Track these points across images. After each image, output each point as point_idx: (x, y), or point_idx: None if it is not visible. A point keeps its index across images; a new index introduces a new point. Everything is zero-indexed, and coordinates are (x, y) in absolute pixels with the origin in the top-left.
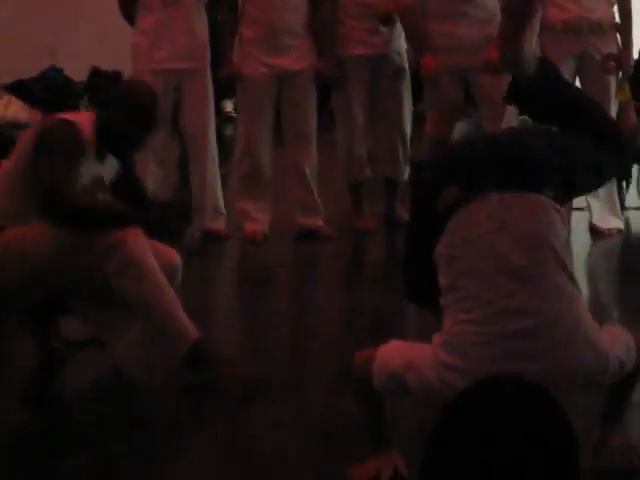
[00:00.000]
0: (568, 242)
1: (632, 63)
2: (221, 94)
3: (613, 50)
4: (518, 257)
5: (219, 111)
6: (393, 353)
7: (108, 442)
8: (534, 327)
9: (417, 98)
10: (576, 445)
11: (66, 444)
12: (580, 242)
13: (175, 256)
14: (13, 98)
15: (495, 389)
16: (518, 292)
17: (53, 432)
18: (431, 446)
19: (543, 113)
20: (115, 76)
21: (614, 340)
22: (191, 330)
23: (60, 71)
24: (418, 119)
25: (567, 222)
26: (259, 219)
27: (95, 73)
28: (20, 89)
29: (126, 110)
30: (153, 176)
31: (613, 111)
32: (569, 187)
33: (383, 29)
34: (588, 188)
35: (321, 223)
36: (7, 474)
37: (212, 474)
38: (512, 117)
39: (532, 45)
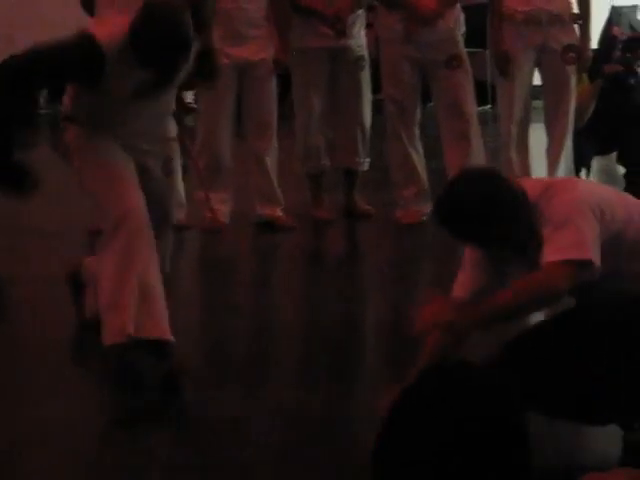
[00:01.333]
0: None
1: (590, 53)
2: (181, 85)
3: (572, 41)
4: None
5: (180, 102)
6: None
7: None
8: None
9: (377, 88)
10: (525, 432)
11: None
12: None
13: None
14: None
15: (447, 375)
16: None
17: None
18: (385, 428)
19: None
20: None
21: None
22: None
23: None
24: (378, 109)
25: None
26: (219, 209)
27: None
28: None
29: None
30: None
31: (573, 100)
32: None
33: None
34: None
35: (280, 213)
36: None
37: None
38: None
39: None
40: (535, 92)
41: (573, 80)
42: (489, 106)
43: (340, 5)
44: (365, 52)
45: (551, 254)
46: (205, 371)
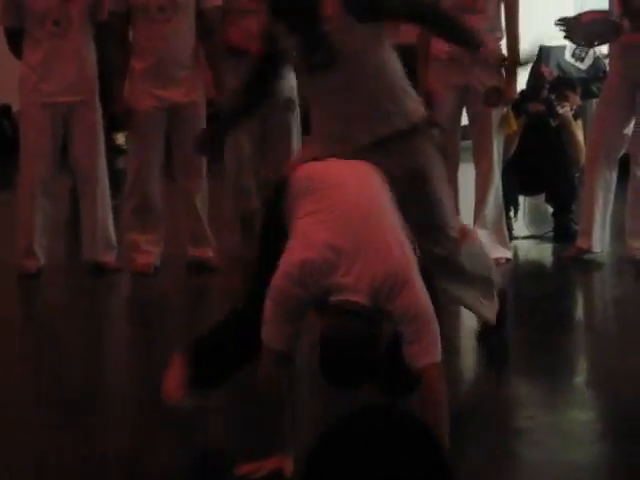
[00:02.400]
0: None
1: (514, 94)
2: (112, 126)
3: (496, 83)
4: None
5: (110, 143)
6: None
7: None
8: None
9: (306, 130)
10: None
11: None
12: None
13: None
14: None
15: (370, 417)
16: None
17: None
18: (307, 471)
19: None
20: (4, 110)
21: None
22: None
23: None
24: None
25: None
26: (149, 251)
27: None
28: None
29: None
30: (41, 208)
31: (497, 142)
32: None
33: None
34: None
35: (211, 254)
36: None
37: None
38: None
39: None
40: (463, 132)
41: (495, 121)
42: None
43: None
44: (295, 94)
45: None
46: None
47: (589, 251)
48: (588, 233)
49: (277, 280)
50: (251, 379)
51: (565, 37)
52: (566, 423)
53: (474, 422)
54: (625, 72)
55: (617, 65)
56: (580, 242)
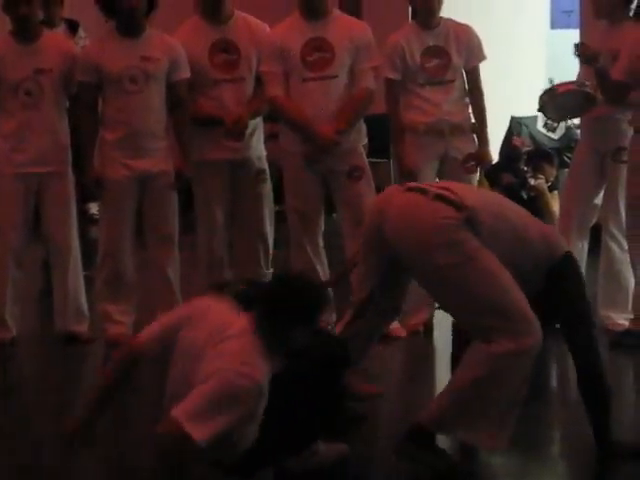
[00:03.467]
0: None
1: (490, 157)
2: (85, 197)
3: (472, 150)
4: None
5: (83, 213)
6: None
7: None
8: None
9: (278, 199)
10: None
11: None
12: None
13: None
14: None
15: None
16: None
17: None
18: None
19: None
20: None
21: None
22: None
23: None
24: (282, 219)
25: None
26: (122, 321)
27: None
28: None
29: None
30: (13, 278)
31: None
32: None
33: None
34: None
35: None
36: None
37: None
38: None
39: None
40: None
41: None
42: None
43: (239, 112)
44: (265, 165)
45: None
46: None
47: None
48: None
49: None
50: None
51: (539, 110)
52: None
53: None
54: (593, 143)
55: (586, 135)
56: None
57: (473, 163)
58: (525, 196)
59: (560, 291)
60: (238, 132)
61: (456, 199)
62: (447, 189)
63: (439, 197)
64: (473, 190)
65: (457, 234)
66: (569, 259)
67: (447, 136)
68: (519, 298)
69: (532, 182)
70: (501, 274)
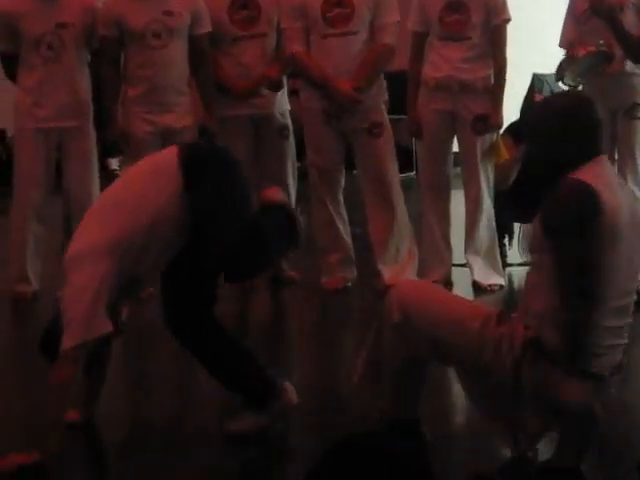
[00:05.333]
0: None
1: (500, 121)
2: (106, 152)
3: (484, 110)
4: None
5: (104, 168)
6: None
7: None
8: None
9: (302, 154)
10: None
11: None
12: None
13: None
14: None
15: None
16: None
17: None
18: None
19: None
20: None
21: None
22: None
23: None
24: (303, 176)
25: None
26: None
27: None
28: None
29: None
30: (34, 233)
31: (484, 169)
32: None
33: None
34: None
35: None
36: None
37: None
38: None
39: None
40: (456, 159)
41: (481, 148)
42: (414, 172)
43: (264, 72)
44: (288, 120)
45: None
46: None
47: None
48: None
49: None
50: None
51: (557, 80)
52: None
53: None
54: (604, 101)
55: (596, 95)
56: None
57: (482, 124)
58: None
59: None
60: (275, 88)
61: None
62: None
63: None
64: None
65: None
66: None
67: (456, 94)
68: None
69: None
70: None
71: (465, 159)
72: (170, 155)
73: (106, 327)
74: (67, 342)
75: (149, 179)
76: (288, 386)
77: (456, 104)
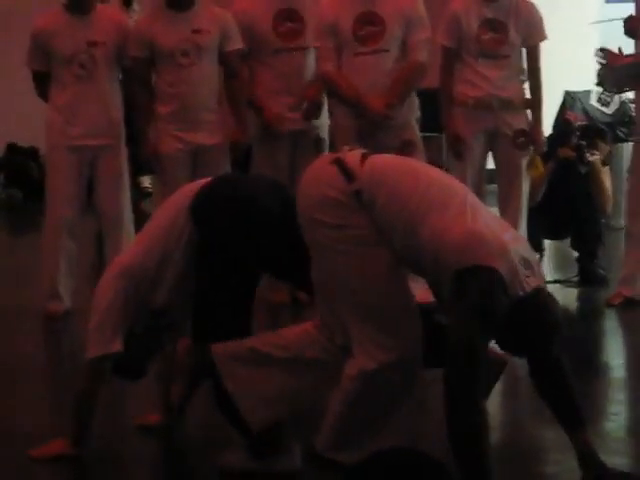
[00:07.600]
0: None
1: (544, 138)
2: (138, 170)
3: (524, 126)
4: None
5: (136, 186)
6: None
7: None
8: None
9: None
10: None
11: None
12: None
13: None
14: None
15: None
16: None
17: None
18: None
19: None
20: (32, 152)
21: None
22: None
23: None
24: None
25: None
26: None
27: (11, 149)
28: None
29: None
30: (67, 250)
31: (525, 185)
32: None
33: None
34: None
35: None
36: None
37: None
38: None
39: None
40: (489, 176)
41: (524, 164)
42: None
43: (305, 93)
44: (326, 133)
45: None
46: None
47: (632, 299)
48: (632, 280)
49: None
50: None
51: (597, 84)
52: None
53: (502, 466)
54: None
55: None
56: (624, 289)
57: (523, 139)
58: (583, 171)
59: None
60: (312, 114)
61: (353, 167)
62: (359, 155)
63: (337, 162)
64: (388, 161)
65: (337, 209)
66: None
67: (497, 111)
68: (396, 305)
69: (589, 157)
70: (381, 273)
71: (505, 175)
72: (185, 199)
73: (115, 346)
74: (88, 353)
75: (166, 214)
76: (295, 448)
77: (497, 121)
